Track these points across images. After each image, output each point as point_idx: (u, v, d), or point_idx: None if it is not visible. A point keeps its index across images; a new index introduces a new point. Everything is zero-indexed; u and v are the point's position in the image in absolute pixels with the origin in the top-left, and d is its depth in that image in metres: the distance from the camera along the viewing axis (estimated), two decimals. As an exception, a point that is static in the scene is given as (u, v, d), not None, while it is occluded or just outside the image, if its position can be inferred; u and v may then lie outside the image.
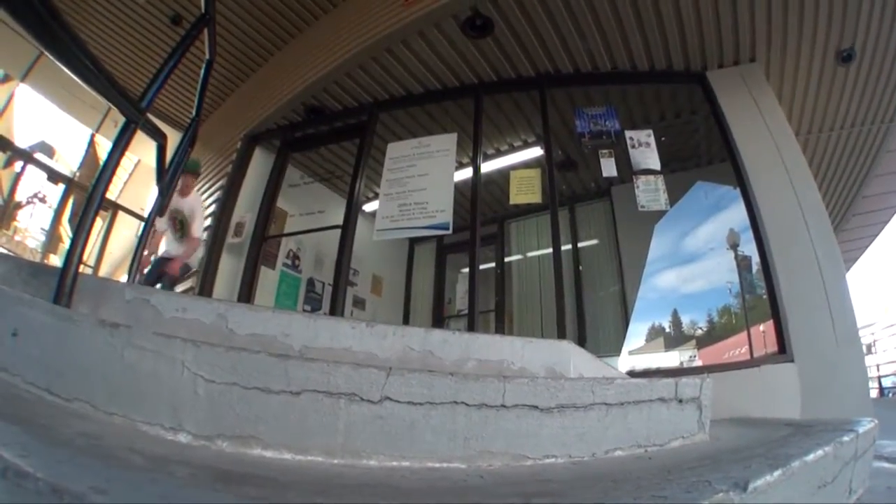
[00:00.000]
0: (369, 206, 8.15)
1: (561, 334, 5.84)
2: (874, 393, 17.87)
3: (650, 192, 6.29)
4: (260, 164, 8.35)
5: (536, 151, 7.87)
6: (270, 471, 1.55)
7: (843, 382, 5.26)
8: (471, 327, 6.09)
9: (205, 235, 7.29)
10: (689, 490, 1.46)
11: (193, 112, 4.33)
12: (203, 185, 8.82)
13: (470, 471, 1.81)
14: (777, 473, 1.53)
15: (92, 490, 1.00)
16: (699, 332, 7.51)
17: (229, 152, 8.37)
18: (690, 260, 7.80)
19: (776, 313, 5.68)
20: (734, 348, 6.72)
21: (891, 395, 18.35)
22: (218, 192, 8.24)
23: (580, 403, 2.07)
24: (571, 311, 8.44)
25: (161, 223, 6.75)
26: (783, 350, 5.51)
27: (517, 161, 8.12)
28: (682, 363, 7.39)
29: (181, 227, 6.87)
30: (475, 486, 1.65)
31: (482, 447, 1.87)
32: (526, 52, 6.86)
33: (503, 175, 7.41)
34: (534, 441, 1.95)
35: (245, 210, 7.99)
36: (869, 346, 21.28)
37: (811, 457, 1.77)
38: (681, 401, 2.39)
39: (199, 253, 7.23)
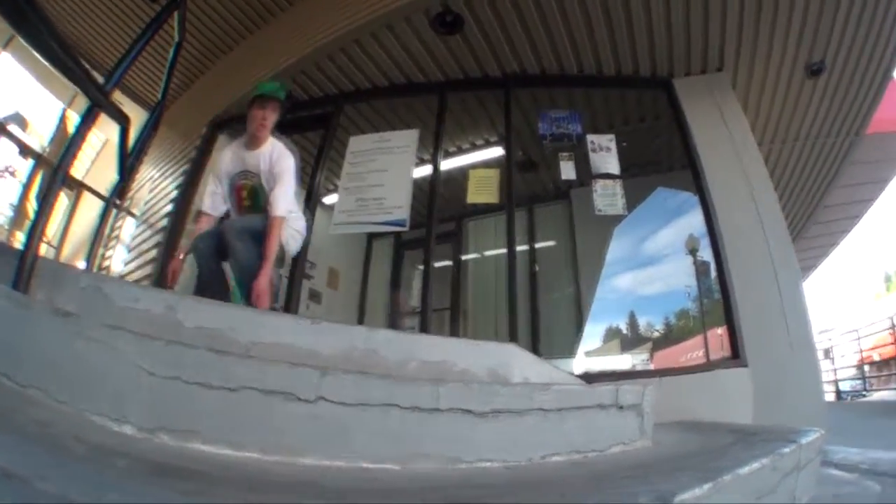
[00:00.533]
0: (329, 199, 8.04)
1: (512, 335, 5.85)
2: (831, 397, 18.18)
3: (608, 197, 6.32)
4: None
5: (498, 151, 7.81)
6: (207, 465, 1.57)
7: (796, 388, 5.32)
8: (423, 326, 6.08)
9: (300, 216, 4.67)
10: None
11: (159, 95, 4.27)
12: (167, 170, 8.61)
13: (402, 473, 1.83)
14: (707, 486, 1.54)
15: (35, 476, 1.06)
16: (656, 334, 7.57)
17: (194, 137, 8.23)
18: (649, 263, 7.89)
19: (730, 319, 5.73)
20: (690, 351, 6.80)
21: (848, 398, 18.66)
22: (181, 178, 8.01)
23: (517, 409, 2.09)
24: (526, 312, 8.39)
25: (214, 198, 4.47)
26: (736, 355, 5.56)
27: (478, 160, 8.11)
28: (634, 365, 7.46)
29: (253, 198, 4.39)
30: (402, 490, 1.68)
31: (415, 450, 1.90)
32: (493, 52, 6.83)
33: (464, 173, 7.36)
34: (468, 445, 1.98)
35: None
36: (827, 351, 21.65)
37: (745, 469, 1.80)
38: (621, 407, 2.41)
39: (296, 242, 4.59)
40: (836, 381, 18.96)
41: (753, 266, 5.84)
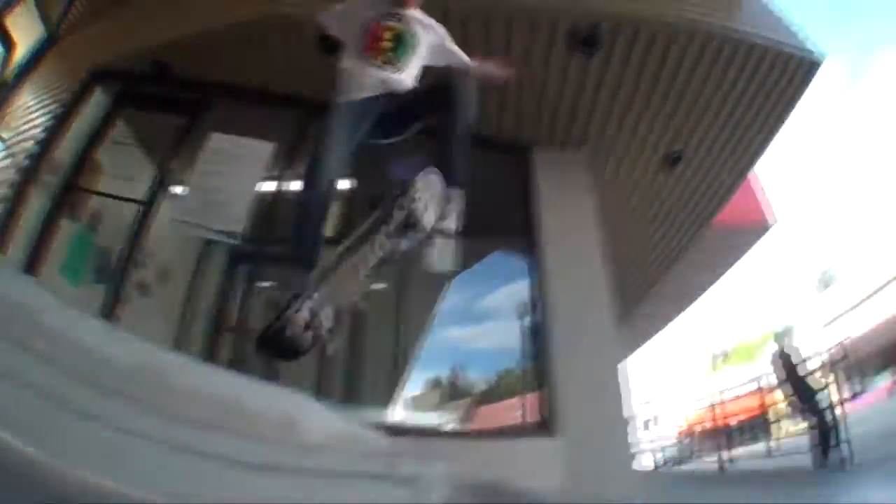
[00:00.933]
0: (180, 189, 7.62)
1: (322, 377, 5.78)
2: (650, 464, 19.00)
3: (441, 253, 6.32)
4: (96, 105, 7.46)
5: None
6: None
7: (607, 459, 5.53)
8: (237, 350, 5.90)
9: None
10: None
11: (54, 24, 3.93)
12: (42, 104, 7.70)
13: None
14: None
15: None
16: (477, 392, 7.59)
17: (73, 81, 7.51)
18: (479, 321, 7.93)
19: (546, 387, 5.94)
20: (509, 412, 6.88)
21: (671, 464, 19.58)
22: (51, 120, 7.26)
23: (288, 467, 2.05)
24: (345, 352, 8.09)
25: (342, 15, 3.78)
26: (550, 422, 5.71)
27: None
28: (442, 424, 7.42)
29: (398, 43, 3.57)
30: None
31: (184, 489, 1.84)
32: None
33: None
34: (236, 495, 1.93)
35: (67, 150, 7.14)
36: (649, 422, 22.72)
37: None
38: (396, 479, 2.40)
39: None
40: (655, 450, 19.87)
41: (577, 338, 6.06)
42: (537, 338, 6.36)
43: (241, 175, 6.52)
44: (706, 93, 6.75)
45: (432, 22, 3.77)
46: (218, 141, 6.80)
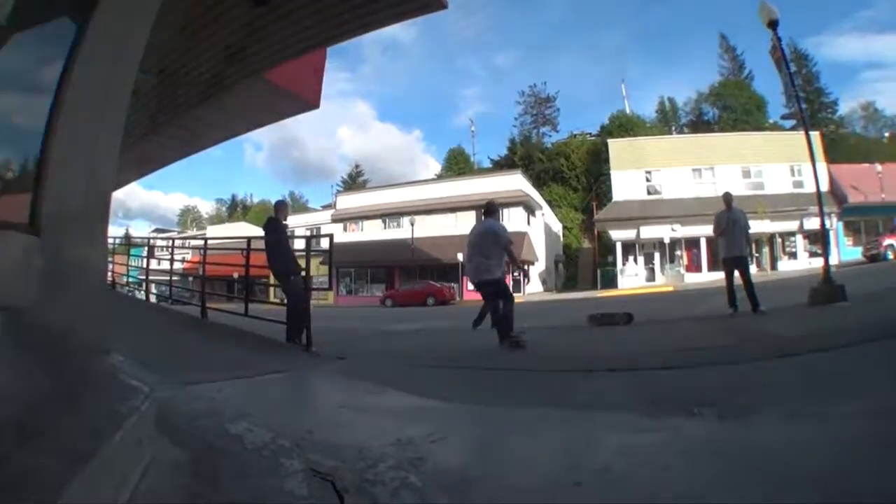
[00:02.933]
0: None
1: None
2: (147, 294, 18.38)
3: None
4: None
5: None
6: None
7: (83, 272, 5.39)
8: None
9: None
10: None
11: None
12: None
13: None
14: None
15: None
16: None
17: None
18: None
19: (40, 187, 5.46)
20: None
21: (164, 300, 18.84)
22: None
23: None
24: None
25: None
26: (35, 221, 5.31)
27: None
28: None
29: None
30: None
31: None
32: None
33: None
34: None
35: None
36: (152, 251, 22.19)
37: None
38: None
39: None
40: (159, 283, 19.01)
41: (79, 147, 5.66)
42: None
43: None
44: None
45: None
46: None
